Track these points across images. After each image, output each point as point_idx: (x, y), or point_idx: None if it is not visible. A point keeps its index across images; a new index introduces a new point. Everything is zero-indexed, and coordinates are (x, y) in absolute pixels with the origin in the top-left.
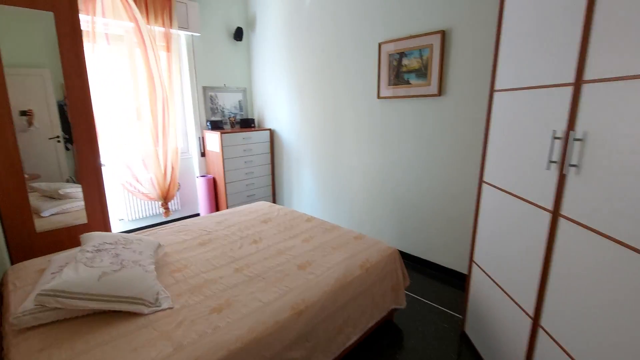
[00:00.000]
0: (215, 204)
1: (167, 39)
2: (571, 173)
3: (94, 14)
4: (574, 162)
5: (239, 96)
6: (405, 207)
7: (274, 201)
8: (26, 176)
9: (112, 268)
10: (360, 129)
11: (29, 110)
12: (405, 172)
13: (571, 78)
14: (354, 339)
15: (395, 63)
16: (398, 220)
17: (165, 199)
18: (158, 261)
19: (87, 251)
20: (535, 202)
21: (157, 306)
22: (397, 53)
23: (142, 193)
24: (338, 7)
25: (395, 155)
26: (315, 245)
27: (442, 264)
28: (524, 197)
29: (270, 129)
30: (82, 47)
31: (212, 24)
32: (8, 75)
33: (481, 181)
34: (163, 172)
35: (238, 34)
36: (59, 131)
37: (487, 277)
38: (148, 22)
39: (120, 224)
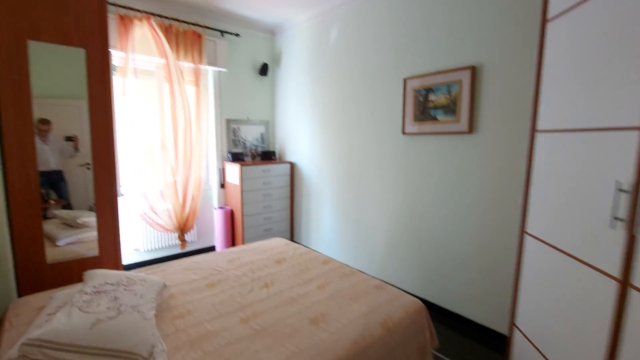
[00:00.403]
0: (232, 237)
1: (196, 74)
2: None
3: (127, 50)
4: None
5: (261, 129)
6: (432, 252)
7: (292, 237)
8: (52, 202)
9: (108, 314)
10: (384, 166)
11: (75, 135)
12: (432, 213)
13: (637, 121)
14: None
15: (421, 99)
16: (423, 266)
17: (182, 230)
18: (161, 304)
19: (86, 293)
20: (596, 266)
21: None
22: (424, 89)
23: (159, 224)
24: (363, 42)
25: (420, 194)
26: (331, 293)
27: (475, 320)
28: (581, 258)
29: (290, 162)
30: (109, 82)
31: (239, 59)
32: (54, 105)
33: (523, 231)
34: (181, 203)
35: (263, 70)
36: (89, 159)
37: (534, 348)
38: (178, 58)
39: (135, 254)
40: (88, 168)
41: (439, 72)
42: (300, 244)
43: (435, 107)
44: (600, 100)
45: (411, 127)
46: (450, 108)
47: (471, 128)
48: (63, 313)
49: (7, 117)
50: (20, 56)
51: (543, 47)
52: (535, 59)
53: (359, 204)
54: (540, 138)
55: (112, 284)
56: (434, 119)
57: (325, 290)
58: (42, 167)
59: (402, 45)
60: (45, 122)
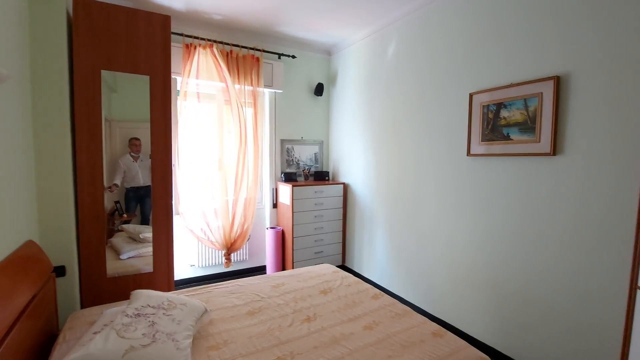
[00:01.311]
0: (282, 258)
1: (254, 96)
2: None
3: (189, 76)
4: None
5: (315, 149)
6: (508, 296)
7: (343, 261)
8: (124, 216)
9: (142, 342)
10: (445, 191)
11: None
12: (505, 248)
13: None
14: None
15: (490, 115)
16: (496, 311)
17: (229, 249)
18: (200, 331)
19: (127, 315)
20: None
21: None
22: (494, 104)
23: (210, 241)
24: (421, 56)
25: (490, 225)
26: (380, 337)
27: None
28: None
29: (344, 183)
30: (169, 105)
31: (294, 80)
32: (143, 128)
33: (634, 286)
34: (231, 222)
35: (319, 90)
36: None
37: None
38: (238, 82)
39: (191, 270)
40: None
41: (513, 85)
42: (352, 269)
43: (508, 125)
44: None
45: (478, 147)
46: (528, 125)
47: (555, 149)
48: (102, 336)
49: (80, 139)
50: (94, 84)
51: None
52: None
53: (416, 231)
54: None
55: (153, 307)
56: (507, 138)
57: (373, 333)
58: (132, 183)
59: (467, 57)
60: (135, 139)
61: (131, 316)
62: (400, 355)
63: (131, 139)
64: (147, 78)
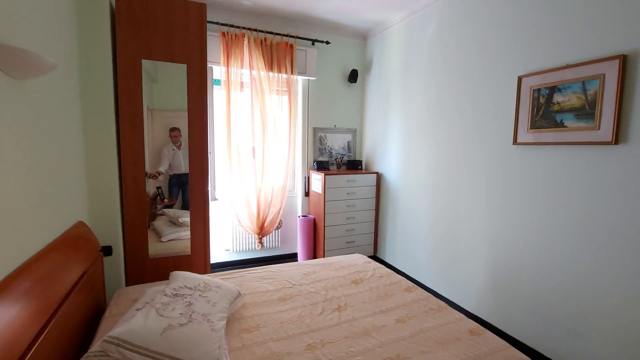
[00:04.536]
0: (314, 246)
1: (288, 84)
2: None
3: (228, 64)
4: None
5: (348, 137)
6: (554, 294)
7: (375, 251)
8: (166, 200)
9: (179, 321)
10: (488, 183)
11: None
12: (555, 246)
13: None
14: None
15: (542, 100)
16: (541, 312)
17: (260, 233)
18: (233, 313)
19: (166, 294)
20: None
21: None
22: (546, 87)
23: (244, 226)
24: (463, 38)
25: (540, 220)
26: (413, 331)
27: None
28: None
29: (377, 173)
30: (206, 94)
31: (327, 67)
32: (183, 117)
33: None
34: (262, 208)
35: (353, 76)
36: None
37: None
38: (272, 70)
39: (226, 254)
40: None
41: (570, 66)
42: (384, 261)
43: (563, 111)
44: None
45: (526, 135)
46: (586, 111)
47: (617, 137)
48: (143, 313)
49: (124, 127)
50: (136, 73)
51: None
52: None
53: (454, 223)
54: None
55: (190, 288)
56: (560, 125)
57: (406, 326)
58: (175, 170)
59: (516, 37)
60: (175, 129)
61: (170, 296)
62: (435, 351)
63: (171, 129)
64: (184, 67)
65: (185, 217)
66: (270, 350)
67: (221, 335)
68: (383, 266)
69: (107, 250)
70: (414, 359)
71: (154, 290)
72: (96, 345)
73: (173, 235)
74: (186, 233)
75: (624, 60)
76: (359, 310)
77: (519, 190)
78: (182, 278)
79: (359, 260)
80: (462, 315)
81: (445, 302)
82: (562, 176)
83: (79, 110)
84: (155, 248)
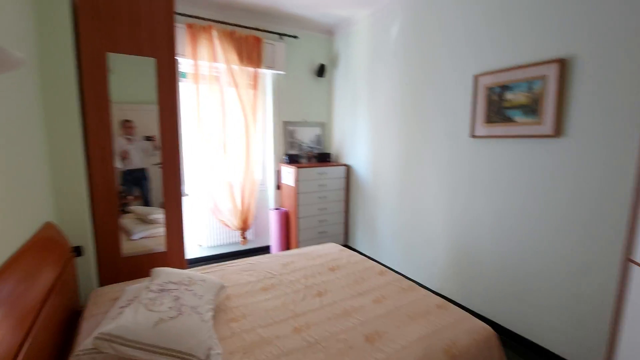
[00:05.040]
0: (287, 238)
1: (255, 78)
2: None
3: (195, 57)
4: None
5: (317, 130)
6: (506, 271)
7: (346, 240)
8: (131, 198)
9: (169, 314)
10: (448, 172)
11: (153, 136)
12: (506, 227)
13: None
14: None
15: (495, 97)
16: (495, 286)
17: (243, 229)
18: (219, 305)
19: (151, 290)
20: None
21: None
22: (499, 86)
23: (222, 221)
24: (426, 37)
25: (491, 204)
26: (388, 309)
27: (554, 351)
28: None
29: (346, 165)
30: (176, 87)
31: (296, 61)
32: (137, 110)
33: (627, 259)
34: (240, 203)
35: (320, 71)
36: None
37: None
38: (240, 63)
39: (199, 250)
40: (160, 167)
41: (519, 67)
42: (355, 249)
43: (513, 107)
44: None
45: (482, 129)
46: (532, 108)
47: (558, 131)
48: (131, 309)
49: (90, 122)
50: (100, 67)
51: None
52: None
53: (419, 211)
54: None
55: (175, 283)
56: (510, 120)
57: (382, 305)
58: (129, 166)
59: (473, 38)
60: (128, 121)
61: (155, 291)
62: (408, 325)
63: (124, 121)
64: (146, 59)
65: (156, 214)
66: (259, 336)
67: (210, 326)
68: (356, 253)
69: (78, 251)
70: (391, 333)
71: (135, 288)
72: (87, 343)
73: (144, 233)
74: (158, 230)
75: (562, 64)
76: (338, 294)
77: (475, 178)
78: (165, 274)
79: (334, 249)
80: (430, 293)
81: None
82: (511, 164)
83: (40, 106)
84: (126, 247)
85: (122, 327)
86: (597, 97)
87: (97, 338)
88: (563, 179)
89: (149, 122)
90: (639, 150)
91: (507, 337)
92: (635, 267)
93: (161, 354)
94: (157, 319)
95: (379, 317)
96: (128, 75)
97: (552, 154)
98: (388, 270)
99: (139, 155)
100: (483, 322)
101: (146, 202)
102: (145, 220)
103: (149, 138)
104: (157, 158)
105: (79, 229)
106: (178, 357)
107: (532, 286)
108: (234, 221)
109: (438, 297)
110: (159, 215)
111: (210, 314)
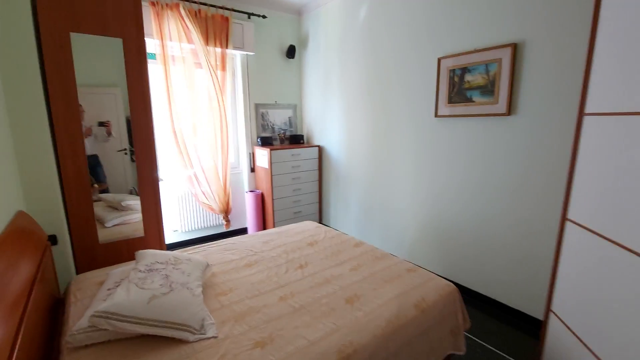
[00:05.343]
0: (263, 220)
1: (223, 58)
2: None
3: (162, 38)
4: None
5: (289, 112)
6: (465, 238)
7: (320, 219)
8: (96, 186)
9: (162, 291)
10: (415, 149)
11: (107, 121)
12: (466, 198)
13: None
14: None
15: (456, 79)
16: (456, 251)
17: (225, 212)
18: (205, 282)
19: (140, 271)
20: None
21: (202, 333)
22: (459, 68)
23: (205, 204)
24: (394, 20)
25: (453, 178)
26: (364, 275)
27: (509, 304)
28: (626, 246)
29: (319, 146)
30: (146, 69)
31: (265, 42)
32: (89, 93)
33: (564, 218)
34: (222, 185)
35: (290, 52)
36: (127, 144)
37: (571, 332)
38: (207, 44)
39: (174, 235)
40: (125, 153)
41: (477, 51)
42: (330, 227)
43: (472, 88)
44: None
45: (445, 109)
46: (488, 89)
47: (510, 110)
48: (122, 289)
49: (56, 108)
50: (64, 48)
51: (597, 20)
52: (588, 35)
53: (388, 187)
54: (588, 121)
55: (162, 263)
56: (470, 100)
57: (359, 273)
58: (88, 152)
59: (436, 23)
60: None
61: (144, 271)
62: (383, 287)
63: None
64: (108, 39)
65: (130, 201)
66: (247, 306)
67: (201, 300)
68: (332, 229)
69: (52, 240)
70: (368, 295)
71: (120, 271)
72: (82, 322)
73: (118, 220)
74: (132, 217)
75: (514, 48)
76: (318, 265)
77: (439, 155)
78: (151, 255)
79: (311, 226)
80: (401, 259)
81: None
82: (470, 141)
83: (0, 92)
84: (101, 234)
85: (118, 304)
86: (544, 78)
87: (93, 316)
88: (515, 153)
89: (103, 107)
90: (576, 126)
91: (469, 296)
92: (570, 224)
93: (158, 326)
94: (151, 295)
95: (357, 283)
96: (77, 57)
97: (506, 130)
98: (363, 242)
99: (89, 141)
100: (447, 281)
101: (107, 190)
102: (117, 208)
103: (102, 124)
104: (115, 145)
105: (52, 217)
106: (175, 329)
107: (489, 249)
108: (215, 205)
109: (408, 262)
110: (132, 201)
111: (200, 289)
